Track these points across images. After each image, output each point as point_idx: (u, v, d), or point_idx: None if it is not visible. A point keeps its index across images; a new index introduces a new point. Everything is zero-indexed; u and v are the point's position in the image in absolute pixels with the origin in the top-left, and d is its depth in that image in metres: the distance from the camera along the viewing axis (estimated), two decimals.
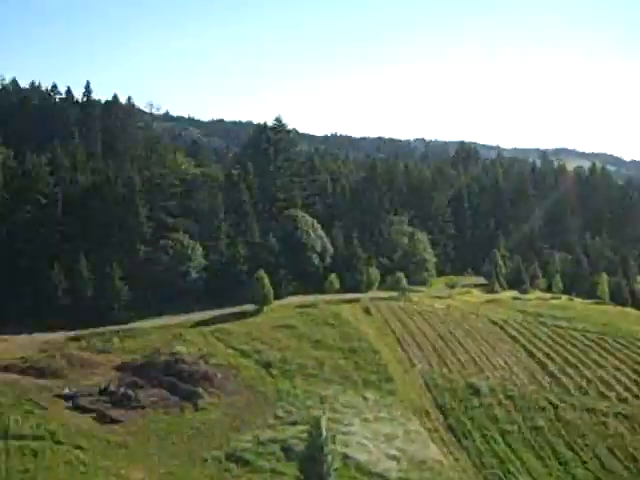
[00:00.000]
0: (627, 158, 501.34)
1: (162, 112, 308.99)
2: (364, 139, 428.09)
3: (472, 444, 60.63)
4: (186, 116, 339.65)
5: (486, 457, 58.81)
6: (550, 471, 57.16)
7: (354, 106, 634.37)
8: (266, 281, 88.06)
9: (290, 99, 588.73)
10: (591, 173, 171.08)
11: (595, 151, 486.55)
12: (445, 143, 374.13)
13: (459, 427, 63.40)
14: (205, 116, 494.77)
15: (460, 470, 56.61)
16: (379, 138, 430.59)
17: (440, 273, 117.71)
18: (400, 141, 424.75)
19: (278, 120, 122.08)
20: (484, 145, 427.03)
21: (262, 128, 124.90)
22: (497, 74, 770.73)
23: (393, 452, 57.41)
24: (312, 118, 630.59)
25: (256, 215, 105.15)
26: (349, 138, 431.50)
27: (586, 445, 60.59)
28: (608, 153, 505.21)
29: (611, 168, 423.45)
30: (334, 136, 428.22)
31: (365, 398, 67.36)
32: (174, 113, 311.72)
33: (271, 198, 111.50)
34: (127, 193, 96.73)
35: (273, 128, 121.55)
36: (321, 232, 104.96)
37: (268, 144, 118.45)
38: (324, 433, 49.16)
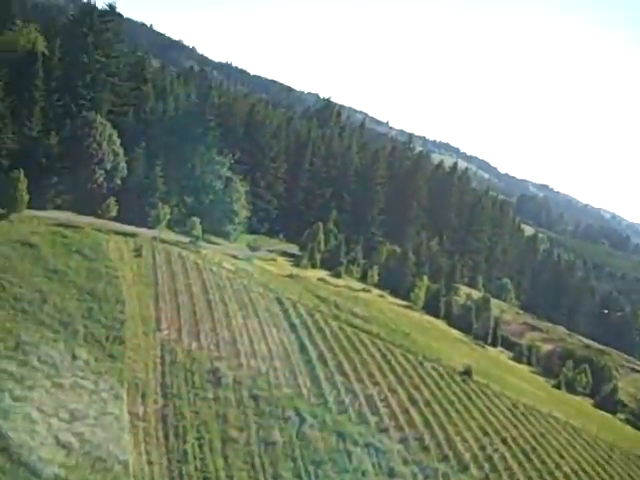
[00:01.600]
0: (502, 170, 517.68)
1: None
2: (258, 77, 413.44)
3: (180, 446, 47.25)
4: None
5: (190, 467, 45.70)
6: None
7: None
8: (23, 184, 71.09)
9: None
10: (451, 171, 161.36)
11: (477, 156, 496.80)
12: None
13: (176, 421, 49.92)
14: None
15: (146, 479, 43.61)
16: (273, 81, 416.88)
17: (252, 232, 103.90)
18: (292, 90, 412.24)
19: (111, 7, 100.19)
20: (373, 118, 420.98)
21: (89, 9, 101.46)
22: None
23: (68, 438, 43.21)
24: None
25: (47, 107, 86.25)
26: (243, 72, 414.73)
27: (317, 476, 49.31)
28: (486, 160, 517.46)
29: (484, 174, 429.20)
30: (229, 65, 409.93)
31: (75, 357, 52.55)
32: None
33: (74, 93, 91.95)
34: None
35: (102, 14, 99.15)
36: (119, 148, 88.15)
37: (89, 30, 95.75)
38: None
